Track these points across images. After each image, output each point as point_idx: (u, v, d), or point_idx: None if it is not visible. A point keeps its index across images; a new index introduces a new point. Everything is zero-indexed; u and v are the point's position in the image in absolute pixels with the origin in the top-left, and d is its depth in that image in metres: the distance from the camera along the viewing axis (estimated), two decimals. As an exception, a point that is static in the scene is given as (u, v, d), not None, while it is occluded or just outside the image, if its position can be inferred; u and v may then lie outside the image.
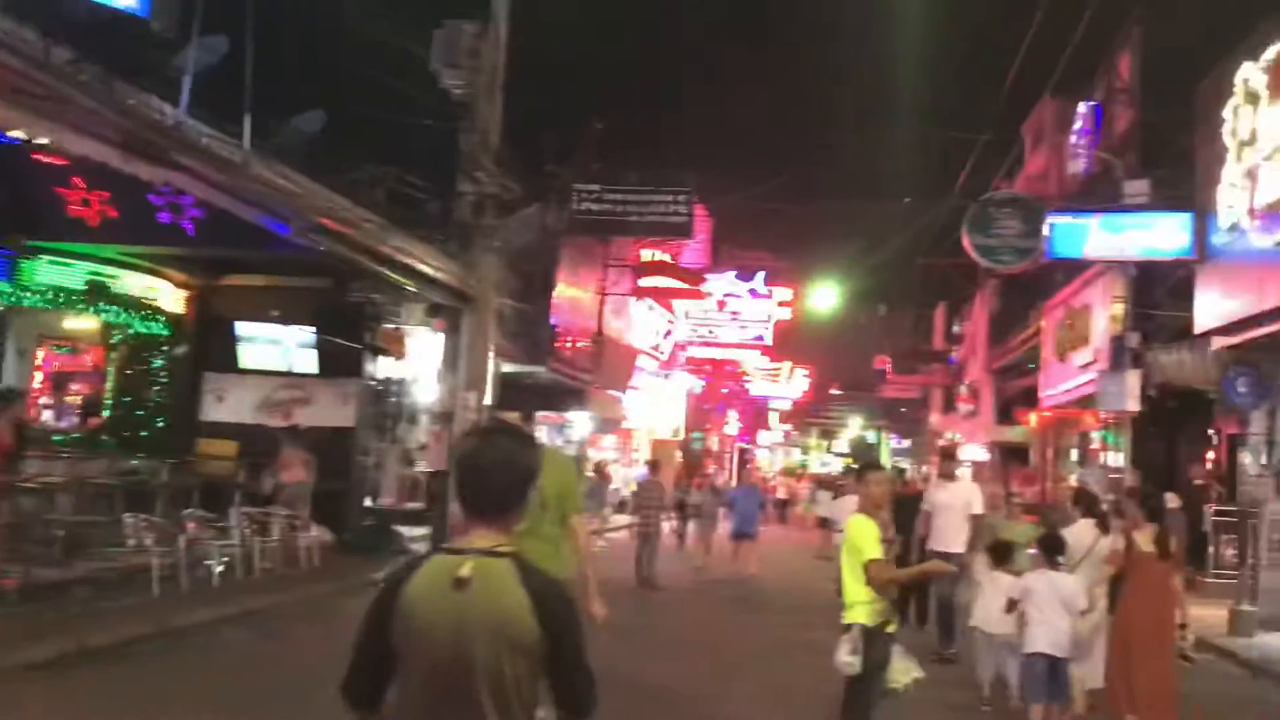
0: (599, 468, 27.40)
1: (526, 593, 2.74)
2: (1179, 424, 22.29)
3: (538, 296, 21.18)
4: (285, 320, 16.87)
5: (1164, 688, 7.64)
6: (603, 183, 20.93)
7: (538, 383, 22.45)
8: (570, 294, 23.59)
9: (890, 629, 6.60)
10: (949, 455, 11.98)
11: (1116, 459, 20.13)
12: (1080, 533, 8.66)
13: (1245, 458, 13.89)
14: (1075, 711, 8.27)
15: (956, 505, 10.42)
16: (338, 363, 16.83)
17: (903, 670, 6.56)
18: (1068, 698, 7.88)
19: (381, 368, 17.40)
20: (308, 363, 16.87)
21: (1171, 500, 18.32)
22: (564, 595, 2.89)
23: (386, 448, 17.80)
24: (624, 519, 25.00)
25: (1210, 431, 22.35)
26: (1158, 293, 19.33)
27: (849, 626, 6.59)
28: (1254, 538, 13.72)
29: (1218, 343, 14.12)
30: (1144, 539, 7.72)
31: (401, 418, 18.33)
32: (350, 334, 16.83)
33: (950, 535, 10.32)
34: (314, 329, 16.85)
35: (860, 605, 6.52)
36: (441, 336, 17.29)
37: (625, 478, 30.29)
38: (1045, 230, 15.37)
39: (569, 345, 23.49)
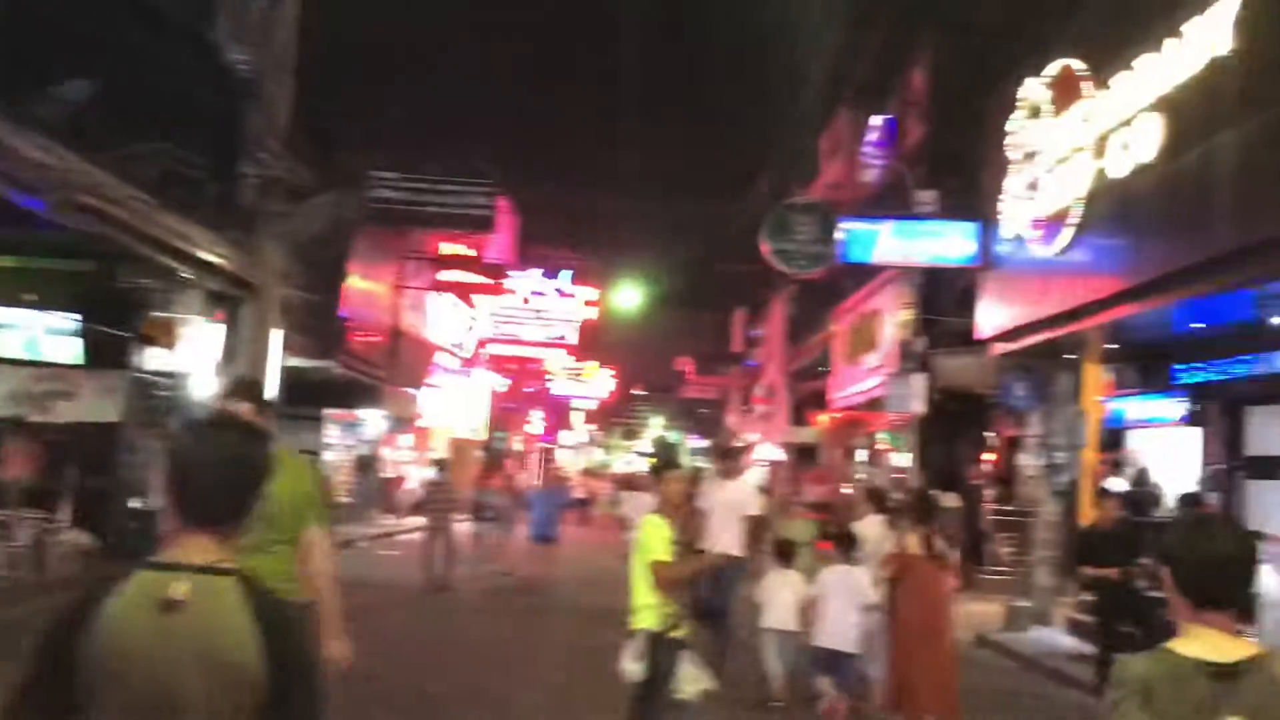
0: (372, 465, 26.47)
1: (252, 619, 2.30)
2: (960, 426, 23.27)
3: (329, 288, 20.22)
4: (43, 306, 15.46)
5: (945, 685, 7.77)
6: (402, 171, 20.20)
7: (328, 378, 21.48)
8: (365, 287, 22.68)
9: (679, 635, 6.36)
10: (727, 454, 11.83)
11: (902, 460, 20.81)
12: (869, 528, 8.93)
13: (1022, 459, 14.46)
14: (866, 705, 8.33)
15: (731, 505, 10.11)
16: (107, 353, 15.54)
17: (691, 679, 6.33)
18: (859, 692, 7.86)
19: (153, 359, 16.16)
20: (69, 352, 15.51)
21: (951, 500, 19.15)
22: (297, 624, 2.49)
23: (156, 445, 16.56)
24: (418, 521, 24.23)
25: (989, 434, 23.46)
26: (944, 299, 20.06)
27: (638, 632, 6.34)
28: (1029, 536, 14.31)
29: (998, 348, 14.65)
30: (912, 542, 7.87)
31: (174, 413, 17.10)
32: (123, 323, 15.57)
33: (723, 536, 9.82)
34: (78, 316, 15.51)
35: (647, 609, 6.25)
36: (222, 328, 16.22)
37: (422, 478, 29.45)
38: (840, 236, 15.63)
39: (362, 340, 22.59)
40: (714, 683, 6.65)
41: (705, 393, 50.47)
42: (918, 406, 19.06)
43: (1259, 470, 11.68)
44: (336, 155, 20.02)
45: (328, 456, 23.06)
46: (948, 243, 15.15)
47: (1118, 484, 13.12)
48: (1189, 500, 12.09)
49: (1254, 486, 11.58)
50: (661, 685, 6.25)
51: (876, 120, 23.12)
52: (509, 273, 32.35)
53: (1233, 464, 12.05)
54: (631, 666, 6.30)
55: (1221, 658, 2.39)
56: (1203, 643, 2.43)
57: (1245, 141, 8.96)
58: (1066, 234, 12.08)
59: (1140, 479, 13.06)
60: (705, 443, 56.93)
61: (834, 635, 7.87)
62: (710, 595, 9.48)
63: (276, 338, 16.98)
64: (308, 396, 20.54)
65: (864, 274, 21.55)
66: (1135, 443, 13.97)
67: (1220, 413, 12.25)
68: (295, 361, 19.33)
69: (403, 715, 8.24)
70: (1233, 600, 2.49)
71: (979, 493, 20.16)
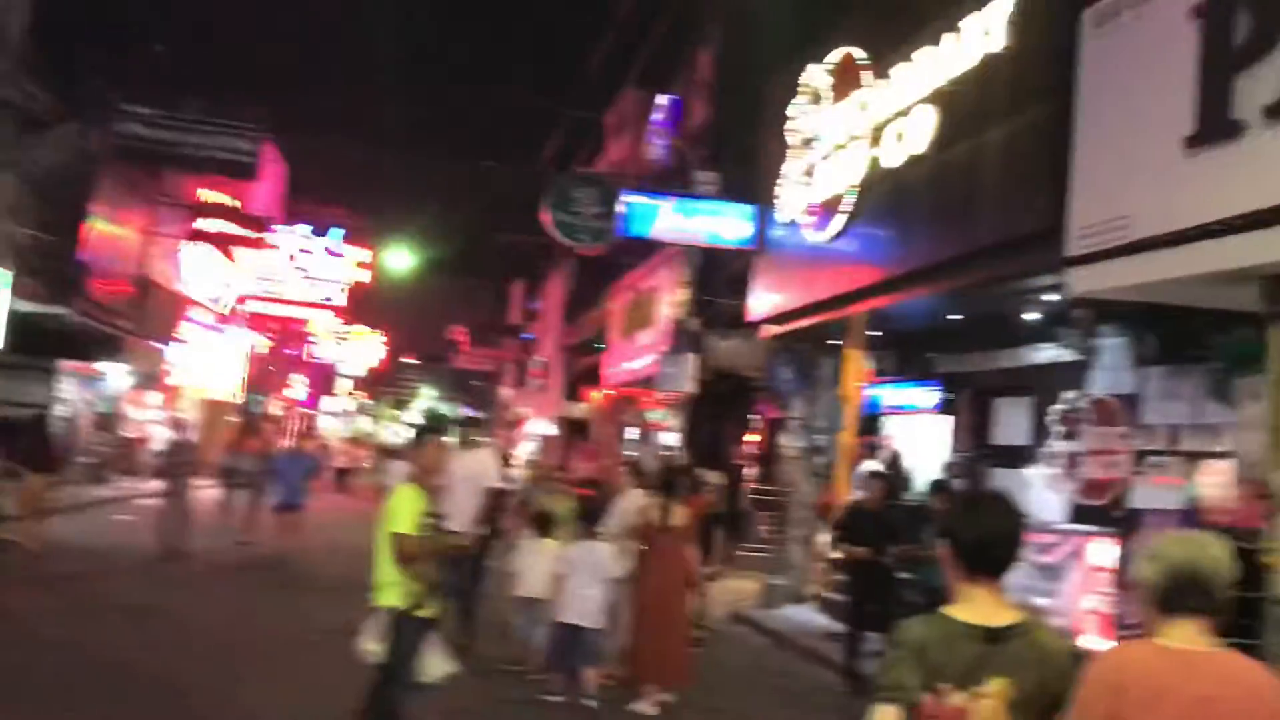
0: (113, 422, 24.68)
1: None
2: (728, 407, 23.68)
3: (67, 228, 18.49)
4: None
5: (676, 655, 7.98)
6: (158, 107, 18.67)
7: (63, 326, 19.66)
8: (111, 230, 20.90)
9: (426, 614, 5.93)
10: (466, 424, 11.45)
11: (671, 438, 20.93)
12: (632, 503, 8.90)
13: (784, 440, 14.70)
14: (607, 675, 8.23)
15: (471, 477, 9.57)
16: None
17: (437, 661, 5.92)
18: (594, 663, 7.90)
19: None
20: None
21: (714, 478, 19.37)
22: None
23: None
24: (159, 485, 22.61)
25: (753, 415, 23.97)
26: (719, 281, 20.27)
27: (380, 610, 5.88)
28: (787, 516, 14.56)
29: (767, 331, 14.81)
30: (655, 514, 8.19)
31: None
32: None
33: (463, 508, 9.18)
34: None
35: (391, 585, 5.79)
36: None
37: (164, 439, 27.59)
38: (621, 209, 15.43)
39: (105, 287, 20.82)
40: (459, 664, 6.27)
41: (479, 364, 49.72)
42: (688, 386, 19.17)
43: (1003, 458, 12.22)
44: (82, 83, 18.29)
45: (61, 411, 21.14)
46: (725, 223, 15.22)
47: (873, 467, 13.51)
48: (938, 486, 12.57)
49: (998, 474, 12.11)
50: (404, 667, 5.82)
51: (662, 100, 23.10)
52: (273, 226, 30.71)
53: (980, 452, 12.58)
54: (372, 647, 5.84)
55: (991, 622, 2.62)
56: (975, 608, 2.65)
57: (1011, 138, 9.23)
58: (839, 221, 12.25)
59: (893, 463, 13.49)
60: (479, 414, 56.26)
61: (574, 610, 7.82)
62: (455, 574, 9.02)
63: (2, 278, 15.37)
64: (38, 345, 18.76)
65: (643, 251, 21.53)
66: (891, 428, 14.43)
67: (969, 402, 12.76)
68: (25, 306, 17.63)
69: (122, 699, 7.47)
70: (1002, 569, 2.72)
71: (740, 472, 20.55)
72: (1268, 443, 6.98)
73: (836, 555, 11.34)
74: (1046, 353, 11.43)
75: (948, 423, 13.29)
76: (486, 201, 29.34)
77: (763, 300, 14.80)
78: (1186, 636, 2.60)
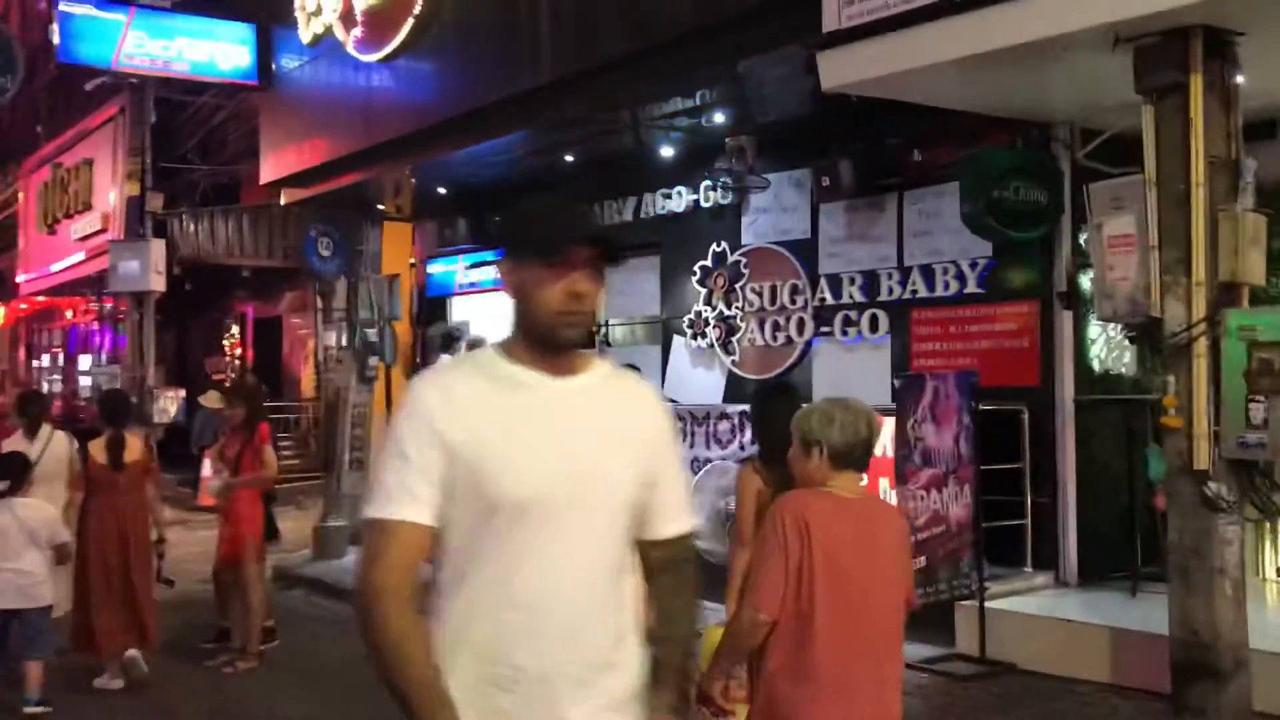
0: None
1: None
2: (201, 307, 19.32)
3: None
4: None
5: (138, 616, 6.75)
6: None
7: None
8: None
9: None
10: None
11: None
12: (54, 447, 6.93)
13: (329, 338, 11.30)
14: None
15: None
16: None
17: None
18: (42, 654, 6.18)
19: None
20: None
21: (213, 400, 15.35)
22: None
23: None
24: None
25: (231, 319, 19.83)
26: (185, 139, 15.92)
27: None
28: (337, 435, 11.30)
29: (290, 196, 11.23)
30: (97, 449, 6.77)
31: None
32: None
33: None
34: None
35: None
36: None
37: None
38: (56, 26, 10.73)
39: None
40: None
41: None
42: (156, 283, 14.82)
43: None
44: None
45: None
46: (220, 49, 11.16)
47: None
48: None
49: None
50: None
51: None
52: None
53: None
54: None
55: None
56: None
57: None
58: (403, 30, 9.04)
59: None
60: None
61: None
62: None
63: None
64: None
65: (65, 108, 16.36)
66: (466, 311, 11.66)
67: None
68: None
69: None
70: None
71: (219, 387, 16.69)
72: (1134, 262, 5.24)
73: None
74: (683, 199, 9.27)
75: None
76: None
77: (278, 156, 11.14)
78: (850, 486, 3.05)
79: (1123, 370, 7.35)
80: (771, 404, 4.33)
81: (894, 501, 6.15)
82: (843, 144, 7.90)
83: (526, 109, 8.33)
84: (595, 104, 8.21)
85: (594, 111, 8.38)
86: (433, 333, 12.01)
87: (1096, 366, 7.20)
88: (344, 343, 11.19)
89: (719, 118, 8.22)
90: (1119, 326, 6.64)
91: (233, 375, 17.53)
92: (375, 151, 9.97)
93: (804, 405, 3.24)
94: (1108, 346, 7.26)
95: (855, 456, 3.02)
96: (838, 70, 5.87)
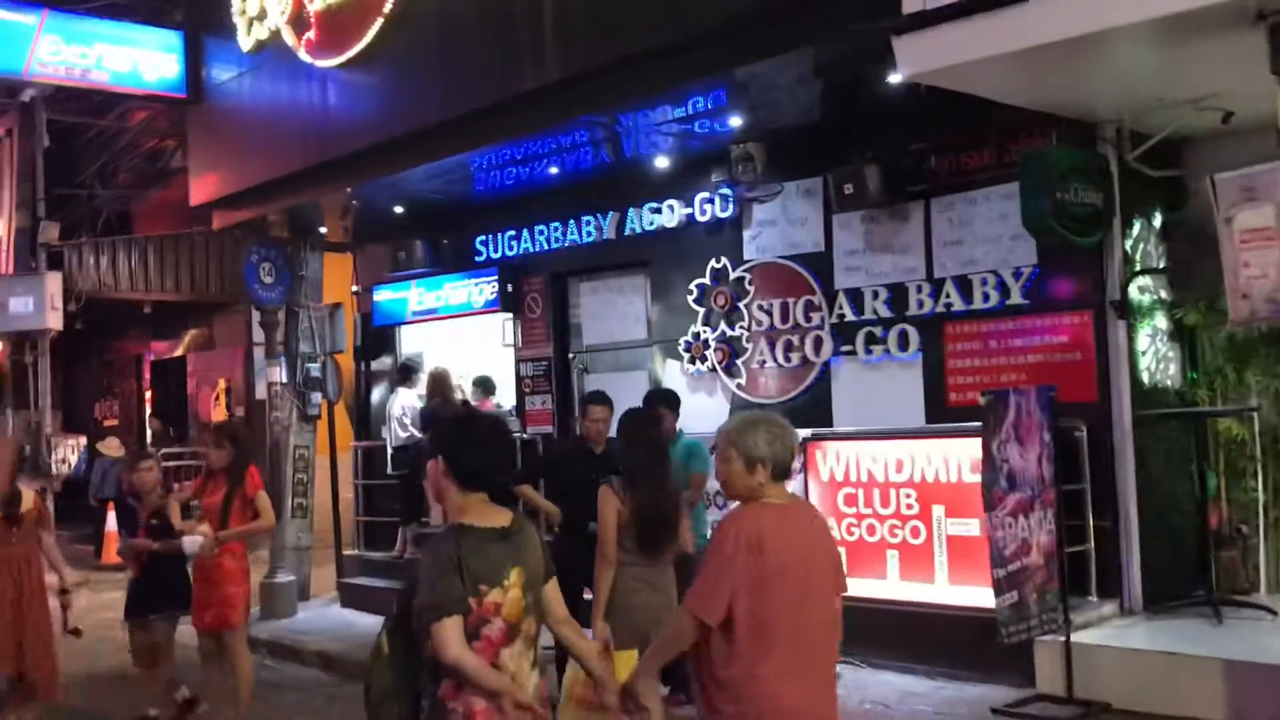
0: None
1: None
2: (87, 348, 17.86)
3: None
4: None
5: (46, 668, 6.61)
6: None
7: None
8: None
9: None
10: None
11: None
12: None
13: (274, 374, 10.22)
14: None
15: None
16: None
17: None
18: None
19: None
20: None
21: (112, 447, 14.06)
22: None
23: None
24: None
25: (126, 359, 18.38)
26: (87, 162, 14.69)
27: None
28: (281, 482, 10.26)
29: (222, 220, 10.22)
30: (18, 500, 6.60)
31: None
32: None
33: None
34: None
35: None
36: None
37: None
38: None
39: None
40: None
41: None
42: (51, 321, 13.61)
43: (611, 357, 9.32)
44: None
45: None
46: (143, 56, 10.09)
47: (409, 401, 9.79)
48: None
49: (598, 380, 9.20)
50: None
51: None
52: None
53: (573, 352, 9.46)
54: None
55: (502, 524, 3.08)
56: (481, 515, 3.08)
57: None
58: (368, 31, 8.23)
59: (438, 388, 9.76)
60: None
61: None
62: None
63: None
64: None
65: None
66: (417, 342, 10.73)
67: (545, 290, 9.55)
68: None
69: None
70: (499, 480, 3.23)
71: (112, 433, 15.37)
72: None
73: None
74: (675, 213, 8.62)
75: (504, 323, 9.98)
76: None
77: (209, 175, 10.13)
78: (784, 494, 3.30)
79: (1169, 383, 6.98)
80: (637, 429, 5.14)
81: (988, 532, 5.59)
82: (859, 151, 7.38)
83: (521, 113, 7.61)
84: (605, 105, 7.50)
85: (602, 114, 7.67)
86: (380, 367, 11.09)
87: (1147, 380, 6.80)
88: (283, 378, 10.17)
89: (731, 121, 7.60)
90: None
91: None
92: (326, 168, 9.10)
93: (726, 425, 3.40)
94: (1156, 359, 6.88)
95: (788, 468, 3.30)
96: (918, 56, 5.34)
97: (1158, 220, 6.95)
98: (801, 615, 3.16)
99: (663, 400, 6.59)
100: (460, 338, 10.53)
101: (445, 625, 2.87)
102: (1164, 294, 6.93)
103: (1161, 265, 6.87)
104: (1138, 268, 6.71)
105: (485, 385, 10.14)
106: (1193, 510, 6.85)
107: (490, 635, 2.96)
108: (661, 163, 8.40)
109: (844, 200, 7.42)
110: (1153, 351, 6.84)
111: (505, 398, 10.12)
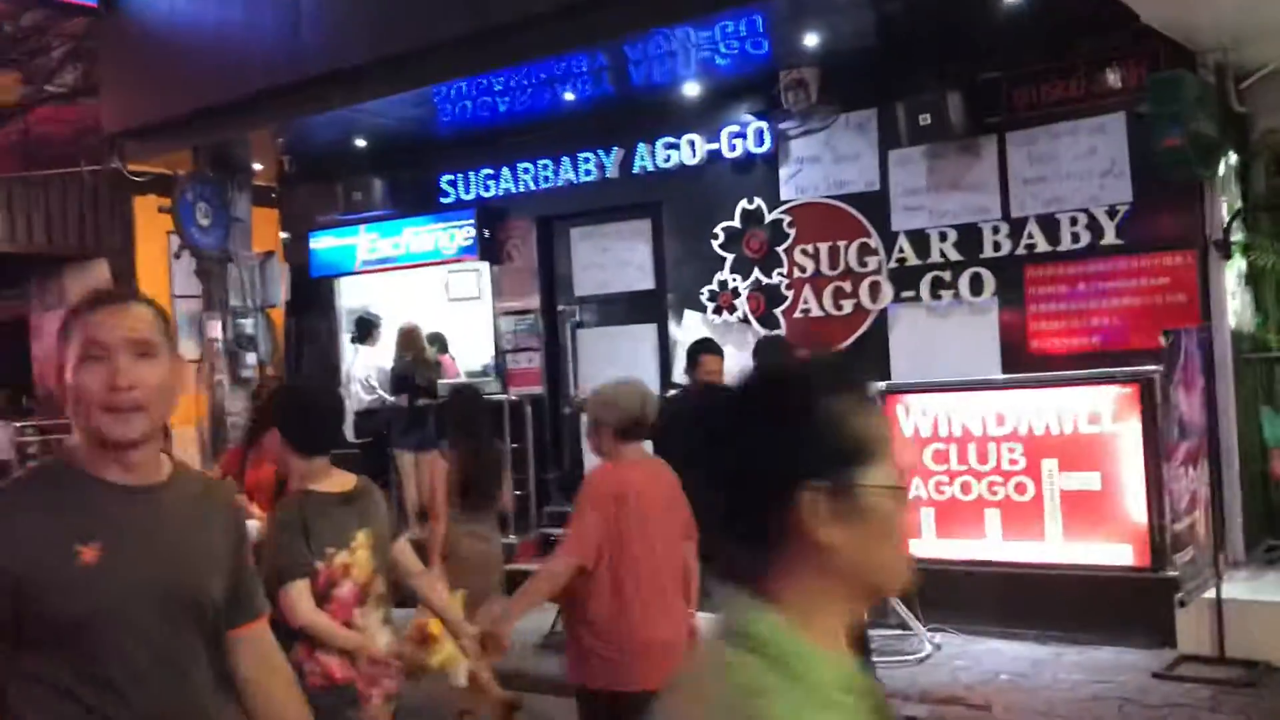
0: None
1: None
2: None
3: None
4: None
5: None
6: None
7: None
8: None
9: None
10: None
11: None
12: None
13: (213, 329, 8.82)
14: None
15: None
16: None
17: None
18: None
19: None
20: None
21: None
22: None
23: None
24: None
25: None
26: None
27: None
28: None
29: (141, 152, 8.76)
30: None
31: None
32: None
33: None
34: None
35: None
36: None
37: None
38: None
39: None
40: None
41: None
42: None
43: (607, 311, 8.43)
44: None
45: None
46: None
47: (372, 360, 8.61)
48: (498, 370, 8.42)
49: (597, 334, 8.33)
50: None
51: None
52: None
53: (565, 305, 8.49)
54: None
55: (345, 488, 3.16)
56: (325, 480, 3.15)
57: None
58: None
59: (410, 345, 8.61)
60: None
61: None
62: None
63: None
64: None
65: None
66: (359, 295, 9.48)
67: (528, 235, 8.54)
68: None
69: None
70: (334, 445, 3.25)
71: None
72: None
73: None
74: (695, 150, 7.83)
75: (483, 273, 8.97)
76: None
77: (123, 101, 8.63)
78: (638, 453, 3.67)
79: (1243, 328, 6.76)
80: (466, 401, 5.62)
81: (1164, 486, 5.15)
82: (920, 81, 6.81)
83: (521, 35, 6.63)
84: (625, 25, 6.64)
85: (622, 34, 6.81)
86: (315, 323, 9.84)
87: (1233, 323, 6.55)
88: (219, 336, 8.83)
89: (777, 44, 6.89)
90: None
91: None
92: (270, 96, 7.82)
93: (595, 391, 3.82)
94: (1238, 302, 6.63)
95: (638, 430, 3.64)
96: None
97: (1234, 159, 6.70)
98: (660, 558, 3.52)
99: (705, 349, 5.91)
100: (405, 289, 9.38)
101: (292, 589, 2.94)
102: (1239, 235, 6.71)
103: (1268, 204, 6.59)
104: (1239, 205, 6.44)
105: (441, 342, 9.13)
106: (1261, 458, 6.69)
107: (341, 596, 3.03)
108: (690, 90, 7.59)
109: (918, 132, 6.83)
110: (1240, 293, 6.61)
111: (467, 356, 9.11)
